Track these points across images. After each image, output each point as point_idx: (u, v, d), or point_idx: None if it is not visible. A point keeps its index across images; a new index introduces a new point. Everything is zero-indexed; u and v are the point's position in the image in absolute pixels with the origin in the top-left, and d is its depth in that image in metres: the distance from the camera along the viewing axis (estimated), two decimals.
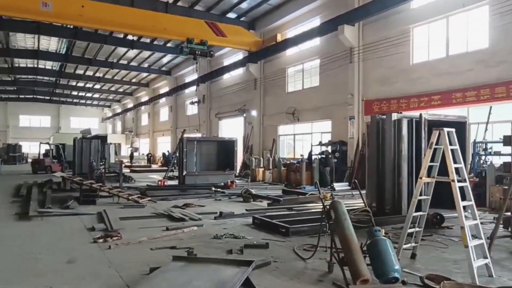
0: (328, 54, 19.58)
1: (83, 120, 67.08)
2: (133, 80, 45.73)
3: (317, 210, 10.38)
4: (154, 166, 37.26)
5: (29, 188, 16.00)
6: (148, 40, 29.95)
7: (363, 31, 17.72)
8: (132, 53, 34.52)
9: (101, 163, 27.51)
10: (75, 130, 59.31)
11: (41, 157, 30.81)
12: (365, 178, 16.76)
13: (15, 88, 51.67)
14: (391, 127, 9.67)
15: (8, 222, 9.44)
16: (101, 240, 7.29)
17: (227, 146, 19.65)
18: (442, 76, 14.48)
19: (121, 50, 33.72)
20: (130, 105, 54.77)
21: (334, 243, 5.41)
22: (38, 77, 45.17)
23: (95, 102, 63.56)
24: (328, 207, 5.70)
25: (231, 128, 29.52)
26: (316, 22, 20.74)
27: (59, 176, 19.42)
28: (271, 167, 20.87)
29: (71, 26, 26.84)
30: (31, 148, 58.04)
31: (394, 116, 9.72)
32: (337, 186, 16.13)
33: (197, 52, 20.94)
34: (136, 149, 50.84)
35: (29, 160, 50.66)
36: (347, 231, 5.30)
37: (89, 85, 48.89)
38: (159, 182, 17.94)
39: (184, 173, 17.76)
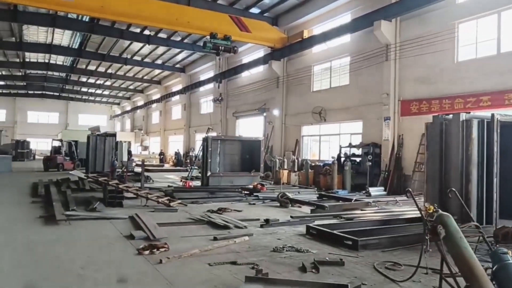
0: (360, 51, 18.60)
1: (91, 117, 66.36)
2: (145, 77, 44.90)
3: (372, 219, 9.47)
4: (166, 166, 36.37)
5: (47, 187, 15.17)
6: (165, 36, 29.10)
7: (400, 27, 16.73)
8: (146, 49, 33.73)
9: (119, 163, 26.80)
10: (83, 127, 58.65)
11: (51, 154, 29.90)
12: (401, 182, 15.99)
13: (25, 84, 50.98)
14: (459, 129, 8.69)
15: (34, 226, 8.55)
16: (147, 252, 6.38)
17: (252, 146, 18.69)
18: (491, 76, 13.48)
19: (135, 46, 32.88)
20: (141, 103, 53.96)
21: (448, 267, 4.45)
22: (49, 72, 44.45)
23: (104, 99, 62.79)
24: (433, 222, 4.74)
25: (249, 128, 28.59)
26: (346, 18, 19.77)
27: (75, 174, 18.55)
28: (296, 169, 19.93)
29: (87, 19, 26.16)
30: (38, 145, 57.55)
31: (463, 116, 8.75)
32: (373, 191, 15.15)
33: (220, 47, 20.04)
34: (146, 148, 50.02)
35: (37, 157, 50.29)
36: (466, 252, 4.35)
37: (99, 81, 48.15)
38: (184, 183, 17.03)
39: (209, 174, 16.82)
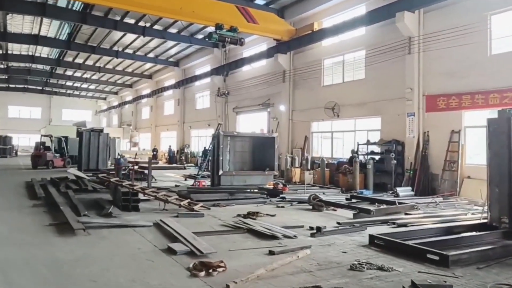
0: (376, 44, 17.60)
1: (75, 112, 64.25)
2: (136, 71, 43.18)
3: (432, 226, 8.44)
4: (160, 163, 34.89)
5: (45, 188, 13.78)
6: (161, 28, 27.66)
7: (424, 19, 15.77)
8: (138, 42, 32.24)
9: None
10: (67, 122, 56.56)
11: (39, 150, 28.13)
12: (428, 181, 15.06)
13: (6, 77, 48.62)
14: None
15: (48, 238, 7.25)
16: (202, 274, 5.21)
17: (264, 143, 17.52)
18: None
19: (127, 39, 31.33)
20: (129, 98, 52.17)
21: None
22: (33, 65, 42.38)
23: (90, 94, 60.68)
24: None
25: (251, 124, 27.39)
26: (361, 9, 18.76)
27: (72, 173, 17.14)
28: (309, 167, 18.88)
29: (79, 9, 24.57)
30: (20, 141, 55.21)
31: None
32: (401, 191, 14.16)
33: (227, 39, 18.81)
34: (136, 144, 48.32)
35: (19, 153, 48.07)
36: None
37: (87, 75, 46.21)
38: (197, 183, 15.79)
39: (220, 172, 15.61)
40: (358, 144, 17.88)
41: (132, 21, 26.51)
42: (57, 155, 26.67)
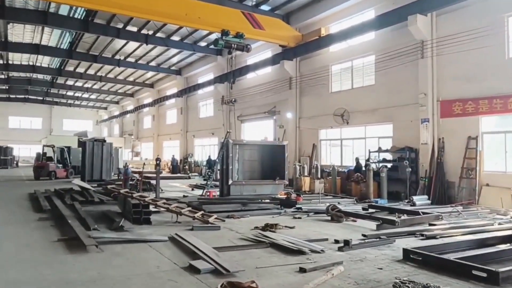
0: (387, 49, 17.24)
1: (76, 122, 63.73)
2: (137, 80, 42.79)
3: (464, 239, 7.97)
4: (163, 172, 34.35)
5: (49, 200, 13.31)
6: (163, 35, 27.36)
7: (436, 22, 15.43)
8: (140, 51, 31.85)
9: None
10: (67, 132, 55.98)
11: (41, 161, 27.63)
12: (444, 190, 14.59)
13: (7, 87, 48.23)
14: None
15: (58, 254, 6.78)
16: None
17: (274, 152, 17.06)
18: None
19: (129, 47, 30.99)
20: (130, 107, 51.75)
21: None
22: (34, 75, 42.08)
23: (90, 104, 60.28)
24: None
25: (256, 132, 26.98)
26: (369, 14, 18.43)
27: (78, 184, 16.67)
28: (319, 176, 18.42)
29: (81, 17, 24.28)
30: (21, 151, 54.74)
31: None
32: (417, 200, 13.71)
33: (233, 45, 18.41)
34: (138, 154, 47.85)
35: (20, 164, 47.57)
36: None
37: (88, 85, 45.85)
38: (207, 193, 15.31)
39: (230, 182, 15.14)
40: (370, 152, 17.43)
41: (134, 29, 26.22)
42: (60, 165, 26.16)
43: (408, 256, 6.48)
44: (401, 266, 6.15)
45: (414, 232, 8.61)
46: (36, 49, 30.24)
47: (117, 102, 57.27)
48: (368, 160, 17.20)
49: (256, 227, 9.11)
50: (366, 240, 7.78)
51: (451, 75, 14.93)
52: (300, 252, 6.82)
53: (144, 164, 27.59)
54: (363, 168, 16.72)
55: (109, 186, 12.58)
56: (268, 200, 13.54)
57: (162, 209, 10.60)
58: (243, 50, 19.07)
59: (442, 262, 6.01)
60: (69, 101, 56.83)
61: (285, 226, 9.25)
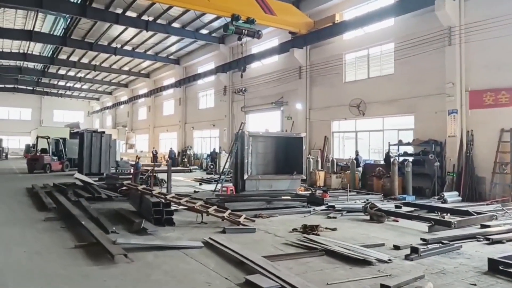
0: (409, 36, 16.29)
1: (67, 113, 62.02)
2: (133, 70, 41.33)
3: None
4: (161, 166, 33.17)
5: (51, 196, 12.17)
6: (164, 22, 26.06)
7: (465, 7, 14.48)
8: (137, 39, 30.48)
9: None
10: (58, 123, 54.34)
11: (35, 153, 26.31)
12: (473, 185, 13.74)
13: None
14: None
15: (79, 266, 5.72)
16: None
17: (290, 144, 16.06)
18: None
19: (127, 35, 29.67)
20: (124, 98, 50.22)
21: None
22: (24, 63, 40.40)
23: (82, 94, 58.54)
24: None
25: (260, 124, 25.91)
26: None
27: (80, 178, 15.52)
28: (335, 170, 17.51)
29: (78, 2, 22.90)
30: (10, 143, 52.99)
31: None
32: (448, 196, 12.84)
33: (243, 31, 17.30)
34: (132, 146, 46.49)
35: (9, 156, 45.87)
36: None
37: (81, 74, 44.23)
38: (223, 189, 14.27)
39: (246, 177, 14.13)
40: (389, 145, 16.51)
41: (134, 15, 24.90)
42: (55, 158, 24.86)
43: (496, 267, 5.54)
44: (495, 281, 5.20)
45: (475, 235, 7.69)
46: (28, 35, 28.65)
47: (110, 93, 55.68)
48: (388, 153, 16.30)
49: (295, 229, 8.12)
50: (430, 246, 6.82)
51: (481, 63, 14.03)
52: (365, 262, 5.84)
53: (138, 157, 26.33)
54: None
55: (125, 182, 11.39)
56: (290, 197, 12.59)
57: (181, 207, 9.58)
58: (254, 36, 17.97)
59: None
60: (60, 91, 54.97)
61: (326, 228, 8.26)
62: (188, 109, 35.90)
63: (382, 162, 17.11)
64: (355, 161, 16.54)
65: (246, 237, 7.52)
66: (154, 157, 34.36)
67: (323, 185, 17.23)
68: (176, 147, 35.93)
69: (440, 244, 6.96)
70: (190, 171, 27.19)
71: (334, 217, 9.74)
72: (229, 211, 8.98)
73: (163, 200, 8.79)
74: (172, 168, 28.05)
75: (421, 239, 7.22)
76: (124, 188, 13.62)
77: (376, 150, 18.55)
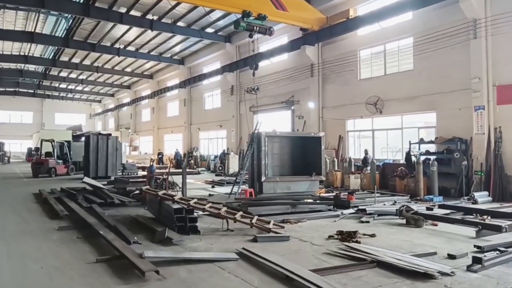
0: (429, 30, 15.65)
1: (68, 116, 61.36)
2: (136, 71, 40.68)
3: None
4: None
5: (61, 202, 11.55)
6: (169, 21, 25.43)
7: None
8: (141, 39, 29.86)
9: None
10: (59, 126, 53.67)
11: (40, 156, 25.68)
12: (503, 185, 13.09)
13: None
14: None
15: (105, 284, 5.17)
16: None
17: (307, 144, 15.41)
18: None
19: (130, 35, 29.07)
20: (127, 100, 49.56)
21: None
22: (25, 66, 39.77)
23: (84, 97, 57.91)
24: None
25: (270, 124, 25.19)
26: None
27: (87, 182, 14.91)
28: (353, 170, 16.88)
29: (81, 1, 22.30)
30: (11, 147, 52.32)
31: None
32: (478, 196, 12.20)
33: (255, 28, 16.65)
34: (136, 148, 45.86)
35: (12, 160, 45.19)
36: None
37: (82, 76, 43.59)
38: (242, 192, 13.62)
39: (263, 179, 13.49)
40: (410, 143, 15.87)
41: (138, 14, 24.28)
42: (60, 161, 24.23)
43: None
44: None
45: None
46: (29, 37, 28.00)
47: (112, 95, 55.03)
48: (409, 152, 15.65)
49: (331, 236, 7.49)
50: (487, 255, 6.17)
51: (509, 57, 13.42)
52: (426, 275, 5.20)
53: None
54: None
55: (144, 187, 10.71)
56: (315, 201, 11.97)
57: (201, 212, 8.95)
58: (265, 33, 17.30)
59: None
60: (62, 94, 54.44)
61: (364, 234, 7.62)
62: (193, 110, 35.24)
63: (402, 162, 16.53)
64: (374, 161, 15.89)
65: (281, 246, 6.87)
66: (160, 160, 33.74)
67: (340, 186, 16.63)
68: (181, 149, 35.31)
69: (498, 252, 6.32)
70: (198, 173, 26.56)
71: (367, 222, 9.10)
72: (256, 217, 8.33)
73: (185, 206, 8.14)
74: (180, 170, 27.56)
75: (475, 246, 6.58)
76: (136, 192, 13.11)
77: (394, 149, 17.90)
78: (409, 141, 15.89)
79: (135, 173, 24.76)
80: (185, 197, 9.16)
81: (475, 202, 12.00)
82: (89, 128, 56.53)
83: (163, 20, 25.20)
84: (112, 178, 20.43)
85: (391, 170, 15.94)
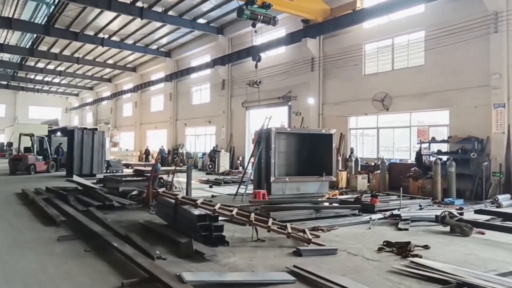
0: (443, 23, 14.97)
1: (43, 110, 58.71)
2: (119, 63, 38.93)
3: None
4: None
5: (51, 204, 10.29)
6: (160, 9, 24.07)
7: None
8: (126, 29, 28.42)
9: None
10: (34, 120, 51.22)
11: (18, 152, 23.99)
12: None
13: None
14: None
15: None
16: None
17: (315, 142, 14.51)
18: None
19: (115, 24, 27.60)
20: (107, 93, 47.54)
21: None
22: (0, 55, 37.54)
23: (61, 90, 55.43)
24: None
25: (261, 120, 24.19)
26: None
27: (79, 181, 13.56)
28: (359, 170, 16.08)
29: None
30: None
31: None
32: (503, 199, 11.55)
33: (259, 16, 15.58)
34: (116, 144, 44.01)
35: None
36: None
37: (61, 67, 41.48)
38: (251, 193, 12.54)
39: (272, 179, 12.50)
40: (421, 142, 15.16)
41: (128, 1, 22.83)
42: (40, 158, 22.57)
43: None
44: None
45: None
46: (7, 23, 25.97)
47: (91, 88, 52.84)
48: (419, 151, 14.94)
49: (381, 248, 6.56)
50: None
51: None
52: None
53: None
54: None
55: (160, 190, 9.47)
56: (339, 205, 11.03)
57: (222, 219, 7.87)
58: (269, 23, 16.19)
59: None
60: (37, 87, 51.88)
61: (418, 246, 6.71)
62: (179, 104, 33.87)
63: (410, 161, 15.86)
64: (384, 160, 15.12)
65: (333, 262, 5.88)
66: (146, 157, 32.29)
67: (346, 186, 15.80)
68: (166, 145, 33.91)
69: None
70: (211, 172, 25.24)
71: (406, 229, 8.21)
72: (290, 226, 7.32)
73: (210, 212, 7.06)
74: (166, 168, 26.23)
75: None
76: (134, 193, 11.90)
77: (400, 148, 17.20)
78: (420, 140, 15.18)
79: (121, 171, 23.34)
80: (191, 198, 7.99)
81: (499, 206, 11.33)
82: (65, 123, 54.19)
83: (154, 8, 23.85)
84: (98, 176, 19.07)
85: (398, 171, 15.24)
